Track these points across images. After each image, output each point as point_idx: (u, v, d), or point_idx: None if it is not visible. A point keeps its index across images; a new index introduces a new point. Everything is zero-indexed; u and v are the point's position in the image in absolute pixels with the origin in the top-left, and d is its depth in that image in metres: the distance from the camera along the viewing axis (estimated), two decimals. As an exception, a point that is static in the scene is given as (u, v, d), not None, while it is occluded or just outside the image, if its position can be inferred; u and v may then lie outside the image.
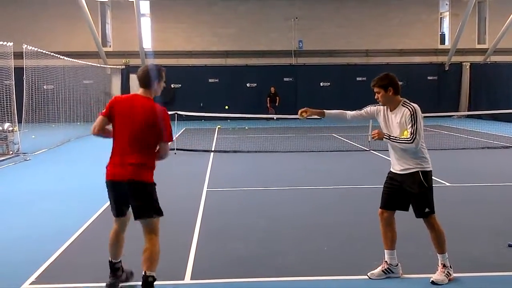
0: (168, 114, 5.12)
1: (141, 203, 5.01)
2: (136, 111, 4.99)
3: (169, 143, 5.14)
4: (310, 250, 6.54)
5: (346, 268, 5.92)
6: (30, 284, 5.47)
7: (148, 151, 5.03)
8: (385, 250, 5.60)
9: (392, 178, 5.57)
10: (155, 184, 5.08)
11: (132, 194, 4.99)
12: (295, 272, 5.78)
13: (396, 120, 5.43)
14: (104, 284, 5.32)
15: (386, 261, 5.57)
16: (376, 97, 5.52)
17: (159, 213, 5.08)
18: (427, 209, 5.41)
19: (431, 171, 5.45)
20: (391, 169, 5.60)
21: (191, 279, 5.59)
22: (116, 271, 5.32)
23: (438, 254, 5.49)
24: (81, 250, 6.66)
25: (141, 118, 4.97)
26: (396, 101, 5.47)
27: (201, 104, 28.19)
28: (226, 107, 26.35)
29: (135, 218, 5.08)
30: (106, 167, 5.08)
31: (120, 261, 5.35)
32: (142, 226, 5.07)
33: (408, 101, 5.46)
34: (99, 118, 5.09)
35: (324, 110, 6.00)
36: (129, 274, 5.47)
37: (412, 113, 5.32)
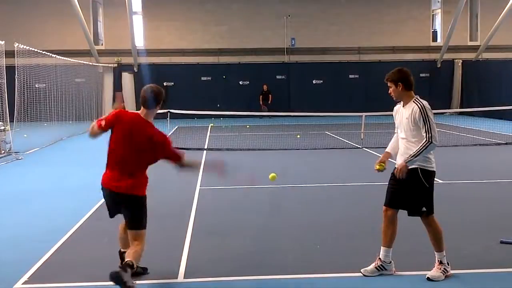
0: (168, 138, 5.36)
1: (133, 215, 5.26)
2: (137, 135, 5.21)
3: (179, 160, 5.42)
4: (304, 248, 6.55)
5: (340, 265, 5.94)
6: (23, 284, 5.45)
7: (142, 169, 5.32)
8: (382, 247, 5.60)
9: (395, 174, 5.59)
10: (145, 197, 5.35)
11: (126, 206, 5.25)
12: (289, 270, 5.78)
13: (405, 115, 5.45)
14: (98, 283, 5.31)
15: (380, 258, 5.58)
16: (389, 91, 5.57)
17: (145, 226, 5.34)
18: (424, 208, 5.41)
19: (433, 171, 5.45)
20: (395, 165, 5.61)
21: (184, 278, 5.58)
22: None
23: (435, 252, 5.51)
24: (74, 249, 6.64)
25: (140, 143, 5.20)
26: (408, 97, 5.49)
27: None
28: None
29: (128, 229, 5.32)
30: (103, 175, 5.32)
31: None
32: (130, 233, 5.30)
33: (419, 99, 5.47)
34: (97, 129, 5.30)
35: (389, 152, 5.84)
36: (141, 269, 5.51)
37: (421, 110, 5.33)
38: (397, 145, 5.79)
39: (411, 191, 5.41)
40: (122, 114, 5.32)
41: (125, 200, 5.22)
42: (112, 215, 5.47)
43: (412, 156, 5.28)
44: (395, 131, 5.81)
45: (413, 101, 5.45)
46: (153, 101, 5.27)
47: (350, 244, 6.69)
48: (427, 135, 5.30)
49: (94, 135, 5.41)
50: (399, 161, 5.52)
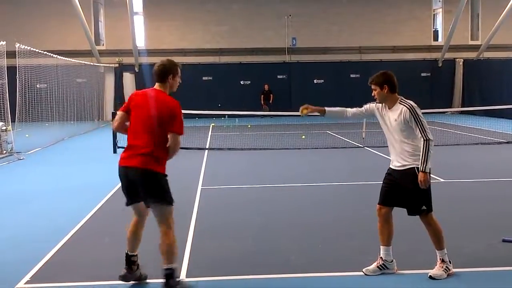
0: (180, 108, 5.18)
1: (150, 191, 5.06)
2: (150, 103, 5.13)
3: (180, 136, 5.12)
4: (306, 247, 6.55)
5: (342, 264, 5.94)
6: (25, 284, 5.45)
7: (159, 142, 5.06)
8: (381, 246, 5.61)
9: (390, 174, 5.59)
10: (166, 176, 5.14)
11: (142, 182, 5.05)
12: (291, 269, 5.78)
13: (393, 117, 5.45)
14: (99, 283, 5.32)
15: (381, 257, 5.58)
16: (373, 94, 5.56)
17: (169, 202, 5.11)
18: (423, 207, 5.41)
19: (429, 169, 5.42)
20: (390, 165, 5.61)
21: (186, 277, 5.58)
22: (131, 265, 5.34)
23: (436, 250, 5.51)
24: (76, 249, 6.64)
25: (154, 110, 5.09)
26: (393, 99, 5.49)
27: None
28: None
29: (146, 205, 5.19)
30: (121, 155, 5.21)
31: (137, 255, 5.35)
32: (155, 217, 5.16)
33: (404, 99, 5.48)
34: (119, 113, 5.27)
35: (325, 108, 6.00)
36: (143, 276, 5.45)
37: (411, 111, 5.33)
38: (340, 114, 6.00)
39: (409, 191, 5.41)
40: (135, 92, 5.40)
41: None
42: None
43: (424, 162, 5.27)
44: (360, 107, 5.90)
45: (399, 103, 5.45)
46: (165, 72, 5.22)
47: (351, 243, 6.69)
48: (423, 134, 5.31)
49: (118, 124, 5.27)
50: (395, 162, 5.52)
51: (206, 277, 5.58)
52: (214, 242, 6.83)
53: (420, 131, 5.32)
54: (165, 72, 5.21)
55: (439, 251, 5.50)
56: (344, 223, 7.77)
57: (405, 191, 5.44)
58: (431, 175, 5.46)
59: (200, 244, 6.69)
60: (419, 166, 5.30)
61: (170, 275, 5.01)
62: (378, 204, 5.64)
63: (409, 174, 5.38)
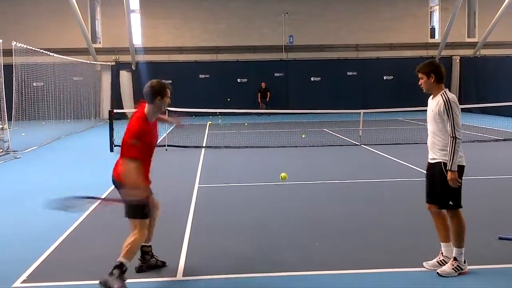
0: (137, 119, 5.28)
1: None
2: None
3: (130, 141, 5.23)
4: (303, 245, 6.54)
5: (338, 262, 5.94)
6: (22, 282, 5.45)
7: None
8: (441, 243, 5.58)
9: (427, 169, 5.60)
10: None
11: None
12: (288, 267, 5.78)
13: (431, 108, 5.46)
14: (97, 281, 5.31)
15: (442, 253, 5.57)
16: (419, 83, 5.57)
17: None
18: (450, 202, 5.40)
19: (461, 166, 5.37)
20: (428, 160, 5.61)
21: (183, 276, 5.59)
22: (145, 255, 5.60)
23: (454, 247, 5.50)
24: (74, 248, 6.64)
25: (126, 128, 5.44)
26: (438, 89, 5.49)
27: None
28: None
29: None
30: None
31: (150, 246, 5.65)
32: None
33: (447, 92, 5.45)
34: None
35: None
36: (160, 262, 5.73)
37: (446, 104, 5.31)
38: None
39: (438, 185, 5.40)
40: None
41: None
42: None
43: (450, 161, 5.26)
44: None
45: (441, 94, 5.44)
46: (147, 95, 5.29)
47: (349, 241, 6.68)
48: (452, 130, 5.28)
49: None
50: (429, 155, 5.53)
51: (203, 276, 5.57)
52: (211, 240, 6.83)
53: (450, 127, 5.29)
54: (153, 94, 5.26)
55: (456, 249, 5.48)
56: (341, 220, 7.76)
57: (435, 185, 5.43)
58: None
59: (197, 242, 6.69)
60: (447, 164, 5.28)
61: (115, 266, 5.05)
62: (426, 202, 5.62)
63: (438, 168, 5.38)
